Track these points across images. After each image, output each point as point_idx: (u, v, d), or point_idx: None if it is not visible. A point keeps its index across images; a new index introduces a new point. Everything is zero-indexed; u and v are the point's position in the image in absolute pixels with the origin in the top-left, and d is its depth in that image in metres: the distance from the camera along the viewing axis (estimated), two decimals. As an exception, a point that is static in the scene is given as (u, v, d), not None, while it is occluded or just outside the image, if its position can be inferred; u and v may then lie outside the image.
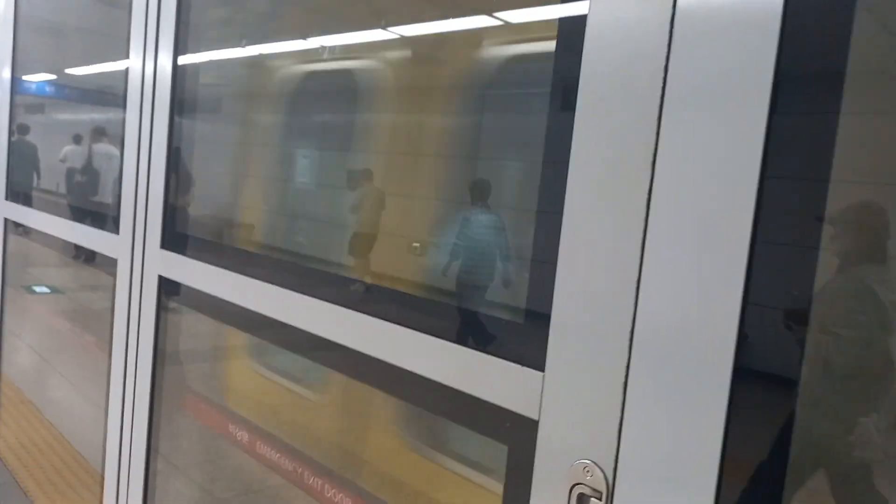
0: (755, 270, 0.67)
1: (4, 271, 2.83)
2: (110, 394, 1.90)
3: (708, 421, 0.69)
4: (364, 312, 1.12)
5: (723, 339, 0.68)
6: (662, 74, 0.74)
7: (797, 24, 0.65)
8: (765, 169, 0.66)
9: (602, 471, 0.78)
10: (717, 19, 0.70)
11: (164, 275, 1.69)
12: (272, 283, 1.35)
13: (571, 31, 0.83)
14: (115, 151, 3.15)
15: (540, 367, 0.85)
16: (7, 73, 2.83)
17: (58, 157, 2.88)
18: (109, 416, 1.90)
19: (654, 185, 0.74)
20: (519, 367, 0.88)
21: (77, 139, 3.21)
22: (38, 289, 4.57)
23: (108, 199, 2.69)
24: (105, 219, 2.25)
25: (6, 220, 2.76)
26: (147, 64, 1.74)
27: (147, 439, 1.76)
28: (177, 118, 1.68)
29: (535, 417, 0.86)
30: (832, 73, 0.66)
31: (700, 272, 0.70)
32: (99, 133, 2.78)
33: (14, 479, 3.02)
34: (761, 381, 0.69)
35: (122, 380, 1.84)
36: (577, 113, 0.82)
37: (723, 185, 0.69)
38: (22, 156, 3.12)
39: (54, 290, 4.55)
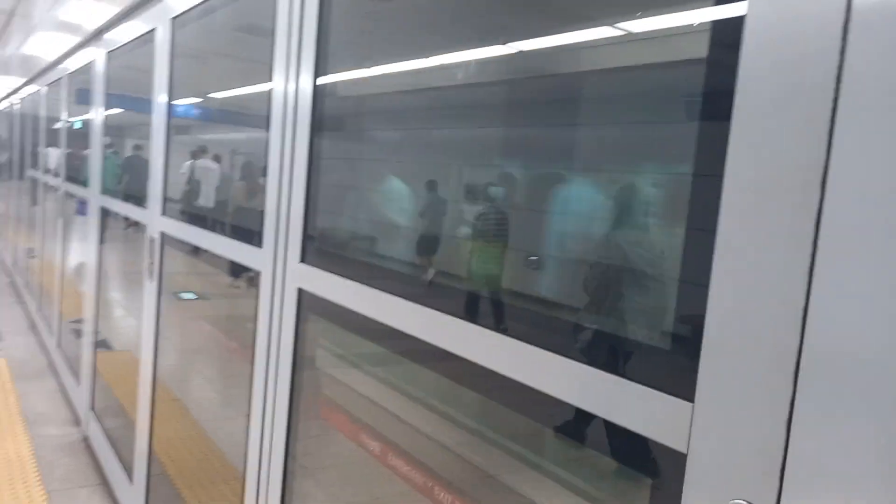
0: None
1: (161, 281, 3.08)
2: (252, 397, 2.01)
3: (884, 464, 0.63)
4: (501, 332, 1.12)
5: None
6: (836, 75, 0.68)
7: None
8: None
9: (761, 512, 0.73)
10: None
11: (302, 287, 1.77)
12: (401, 296, 1.39)
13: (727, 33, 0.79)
14: (214, 165, 3.43)
15: (689, 396, 0.81)
16: (164, 97, 3.09)
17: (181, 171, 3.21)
18: (251, 418, 2.01)
19: (826, 196, 0.68)
20: (666, 395, 0.84)
21: (195, 155, 3.57)
22: (184, 295, 4.96)
23: (211, 204, 3.02)
24: (206, 220, 2.49)
25: (162, 233, 3.01)
26: (289, 85, 1.85)
27: (286, 442, 1.85)
28: (316, 139, 1.77)
29: (684, 451, 0.82)
30: None
31: (881, 294, 0.64)
32: (200, 151, 3.13)
33: (164, 472, 3.27)
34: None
35: (263, 385, 1.95)
36: (733, 122, 0.77)
37: None
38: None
39: (200, 296, 4.92)
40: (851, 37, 0.67)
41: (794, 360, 0.71)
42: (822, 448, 0.68)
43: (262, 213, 1.92)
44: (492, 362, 1.13)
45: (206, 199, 3.17)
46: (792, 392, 0.71)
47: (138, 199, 3.46)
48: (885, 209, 0.64)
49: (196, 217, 3.19)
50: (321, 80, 1.77)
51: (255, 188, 2.12)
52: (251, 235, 2.01)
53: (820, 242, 0.69)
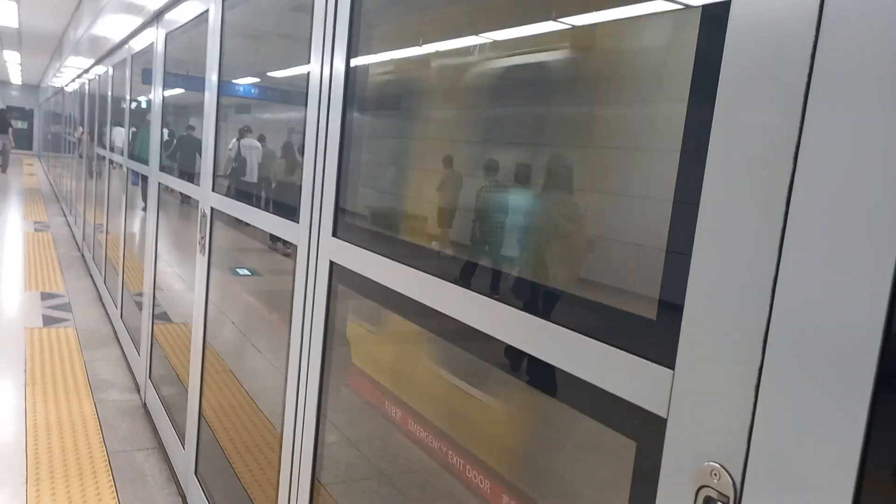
0: None
1: (210, 251, 3.22)
2: (288, 365, 2.11)
3: (844, 427, 0.65)
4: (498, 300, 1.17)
5: (865, 337, 0.64)
6: (810, 55, 0.69)
7: None
8: None
9: (730, 474, 0.76)
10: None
11: (334, 260, 1.85)
12: (425, 271, 1.44)
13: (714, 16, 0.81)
14: (257, 143, 3.62)
15: (671, 364, 0.84)
16: (215, 77, 3.21)
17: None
18: (287, 384, 2.12)
19: (797, 171, 0.70)
20: (648, 362, 0.88)
21: (241, 133, 3.74)
22: (240, 271, 5.16)
23: (254, 179, 3.22)
24: (251, 195, 2.63)
25: (213, 209, 3.14)
26: (324, 67, 1.91)
27: (318, 407, 1.94)
28: (348, 118, 1.83)
29: (664, 416, 0.85)
30: None
31: (842, 264, 0.66)
32: (245, 130, 3.30)
33: (215, 438, 3.44)
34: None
35: (297, 353, 2.04)
36: (716, 101, 0.79)
37: (870, 170, 0.64)
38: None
39: (254, 272, 5.10)
40: (827, 10, 0.68)
41: (762, 331, 0.73)
42: (786, 411, 0.71)
43: (298, 188, 2.01)
44: (494, 329, 1.18)
45: (251, 175, 3.38)
46: (760, 361, 0.73)
47: (190, 175, 3.67)
48: (852, 183, 0.66)
49: (240, 192, 3.35)
50: (354, 62, 1.83)
51: (294, 164, 2.28)
52: (289, 209, 2.11)
53: (790, 216, 0.71)
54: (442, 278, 1.36)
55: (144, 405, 4.64)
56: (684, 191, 0.85)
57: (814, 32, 0.69)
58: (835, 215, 0.67)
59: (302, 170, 1.99)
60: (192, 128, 4.66)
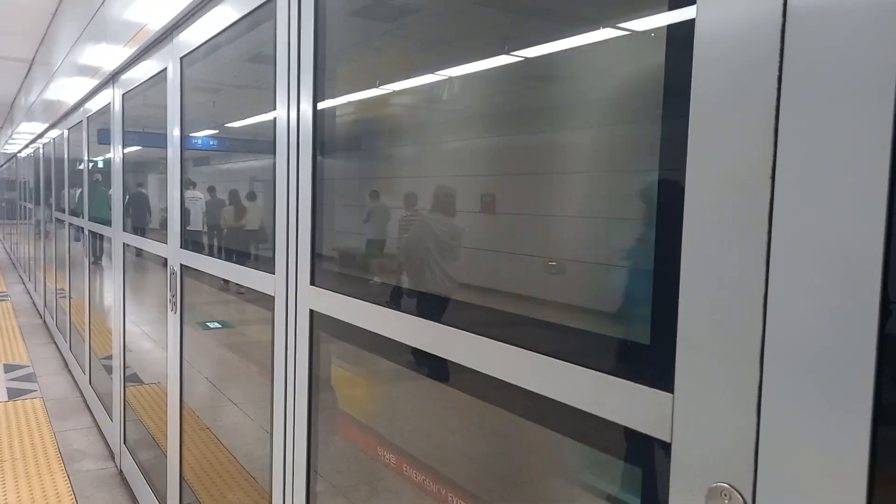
0: (892, 271, 0.63)
1: (182, 312, 3.16)
2: (273, 418, 2.07)
3: (849, 435, 0.66)
4: (493, 337, 1.16)
5: (861, 347, 0.65)
6: (777, 72, 0.72)
7: None
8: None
9: (740, 494, 0.76)
10: (830, 7, 0.67)
11: (314, 309, 1.83)
12: (402, 310, 1.44)
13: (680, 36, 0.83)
14: (199, 195, 3.82)
15: (669, 388, 0.85)
16: (177, 132, 3.19)
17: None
18: (273, 439, 2.07)
19: (776, 189, 0.72)
20: (647, 388, 0.88)
21: (190, 185, 3.89)
22: (211, 325, 5.07)
23: (199, 227, 3.40)
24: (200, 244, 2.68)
25: (182, 265, 3.09)
26: (291, 112, 1.91)
27: (307, 459, 1.90)
28: (319, 162, 1.83)
29: (668, 440, 0.85)
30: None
31: (831, 278, 0.67)
32: (188, 183, 3.52)
33: (197, 500, 3.33)
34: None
35: (283, 405, 2.00)
36: (690, 122, 0.81)
37: (849, 185, 0.66)
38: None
39: (225, 324, 5.02)
40: (788, 44, 0.71)
41: (758, 349, 0.74)
42: (789, 429, 0.72)
43: (248, 233, 2.03)
44: (492, 369, 1.17)
45: (195, 226, 3.58)
46: (759, 378, 0.74)
47: (143, 230, 3.73)
48: (830, 201, 0.68)
49: (188, 241, 3.41)
50: (321, 105, 1.84)
51: (242, 211, 2.53)
52: (263, 260, 2.11)
53: (773, 236, 0.72)
54: (429, 319, 1.36)
55: (121, 472, 4.48)
56: (667, 211, 0.87)
57: (779, 45, 0.71)
58: (817, 225, 0.69)
59: (248, 216, 2.01)
60: (141, 185, 4.70)
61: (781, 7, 0.71)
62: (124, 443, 4.45)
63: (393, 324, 1.50)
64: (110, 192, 5.35)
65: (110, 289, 4.92)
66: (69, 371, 6.88)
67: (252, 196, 3.34)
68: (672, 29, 0.89)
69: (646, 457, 0.89)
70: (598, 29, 1.19)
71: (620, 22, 1.11)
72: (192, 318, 3.59)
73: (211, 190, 4.00)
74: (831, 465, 0.68)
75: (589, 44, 1.21)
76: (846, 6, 0.66)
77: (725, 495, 0.78)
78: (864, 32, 0.65)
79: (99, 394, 5.41)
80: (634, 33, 1.08)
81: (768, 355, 0.73)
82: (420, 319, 1.39)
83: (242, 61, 3.15)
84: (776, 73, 0.72)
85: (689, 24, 0.82)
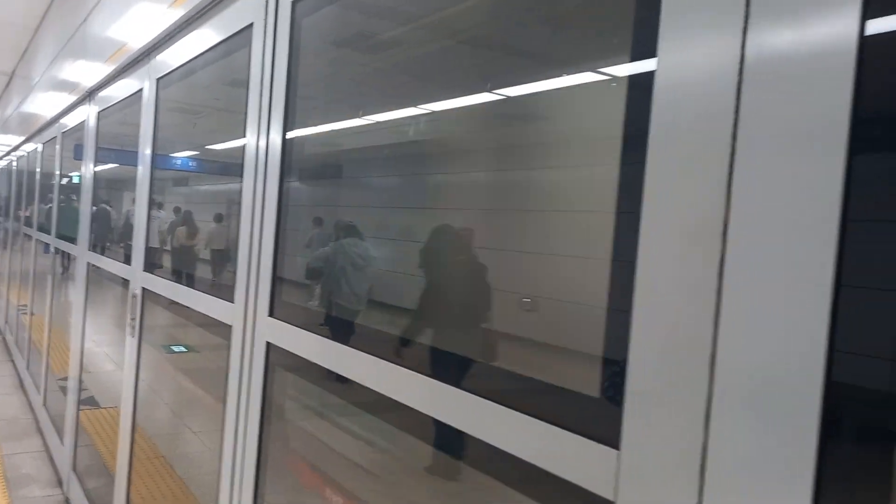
0: (840, 324, 0.62)
1: (141, 335, 3.09)
2: (223, 446, 2.00)
3: (795, 494, 0.64)
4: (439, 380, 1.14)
5: (807, 410, 0.64)
6: (732, 122, 0.72)
7: (873, 67, 0.62)
8: (846, 211, 0.62)
9: (682, 558, 0.74)
10: (786, 68, 0.68)
11: (270, 341, 1.79)
12: (363, 350, 1.41)
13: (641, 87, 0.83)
14: (161, 214, 3.94)
15: (615, 444, 0.83)
16: (149, 151, 3.15)
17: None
18: (222, 466, 2.00)
19: (727, 244, 0.71)
20: (594, 443, 0.86)
21: (156, 206, 3.99)
22: (175, 348, 4.96)
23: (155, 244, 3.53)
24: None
25: (143, 289, 3.03)
26: (261, 139, 1.90)
27: (254, 492, 1.83)
28: (285, 191, 1.81)
29: (612, 498, 0.82)
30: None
31: (779, 339, 0.66)
32: (156, 204, 3.69)
33: (146, 532, 3.20)
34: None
35: (233, 434, 1.94)
36: (647, 168, 0.81)
37: (801, 233, 0.65)
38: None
39: (191, 349, 4.91)
40: (744, 95, 0.71)
41: (704, 405, 0.72)
42: (733, 490, 0.70)
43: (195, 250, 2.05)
44: (437, 411, 1.15)
45: (167, 243, 3.68)
46: (704, 436, 0.72)
47: (103, 247, 3.75)
48: (780, 259, 0.67)
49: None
50: (290, 134, 1.82)
51: (193, 231, 2.75)
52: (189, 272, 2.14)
53: (724, 288, 0.71)
54: (388, 360, 1.33)
55: (67, 500, 4.31)
56: (622, 262, 0.86)
57: (734, 98, 0.71)
58: (767, 281, 0.68)
59: (197, 237, 2.02)
60: (107, 201, 4.70)
61: (738, 63, 0.71)
62: (74, 469, 4.29)
63: (349, 363, 1.46)
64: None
65: (72, 307, 4.80)
66: (24, 390, 6.67)
67: (219, 218, 3.33)
68: (633, 79, 0.89)
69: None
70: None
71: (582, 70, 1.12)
72: (156, 341, 3.51)
73: (176, 211, 4.00)
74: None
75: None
76: (799, 66, 0.66)
77: (667, 558, 0.75)
78: (814, 91, 0.65)
79: (52, 416, 5.24)
80: (599, 82, 1.09)
81: (714, 411, 0.72)
82: (372, 358, 1.36)
83: (218, 84, 3.15)
84: (731, 129, 0.72)
85: (649, 76, 0.82)
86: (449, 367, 1.20)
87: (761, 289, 0.68)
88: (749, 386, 0.69)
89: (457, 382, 1.10)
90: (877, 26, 0.62)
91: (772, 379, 0.67)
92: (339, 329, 1.52)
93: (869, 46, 0.62)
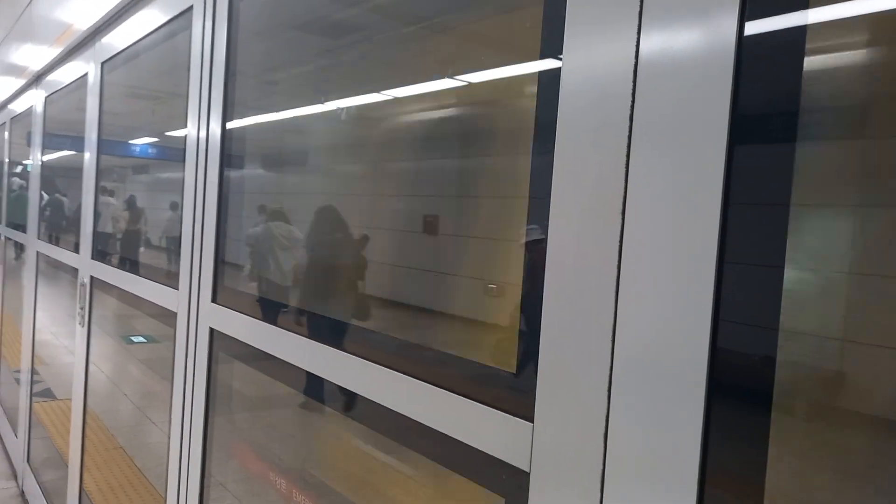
0: (724, 295, 0.66)
1: (90, 322, 3.04)
2: (171, 432, 2.00)
3: (682, 462, 0.68)
4: (367, 359, 1.16)
5: (693, 374, 0.67)
6: (629, 115, 0.75)
7: (749, 67, 0.65)
8: (727, 196, 0.66)
9: (587, 524, 0.77)
10: (673, 66, 0.71)
11: (214, 327, 1.78)
12: (300, 334, 1.42)
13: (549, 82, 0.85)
14: (112, 201, 4.00)
15: (530, 417, 0.85)
16: (94, 137, 3.09)
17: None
18: (170, 453, 2.00)
19: (626, 223, 0.74)
20: (510, 416, 0.88)
21: (106, 192, 4.05)
22: (135, 339, 4.88)
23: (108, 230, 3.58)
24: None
25: (92, 277, 2.98)
26: (201, 126, 1.88)
27: (201, 474, 1.84)
28: (225, 178, 1.79)
29: (527, 469, 0.85)
30: (785, 108, 0.66)
31: (671, 312, 0.69)
32: (103, 189, 3.65)
33: (102, 524, 3.17)
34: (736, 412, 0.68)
35: (180, 420, 1.94)
36: (555, 154, 0.83)
37: (688, 222, 0.68)
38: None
39: (151, 339, 4.84)
40: (640, 84, 0.74)
41: (607, 376, 0.75)
42: (631, 458, 0.73)
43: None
44: (363, 388, 1.17)
45: (104, 227, 3.71)
46: (606, 406, 0.75)
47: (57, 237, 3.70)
48: (673, 237, 0.70)
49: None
50: (230, 122, 1.81)
51: (136, 215, 3.06)
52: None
53: (622, 269, 0.74)
54: (329, 344, 1.34)
55: (22, 493, 4.24)
56: (533, 241, 0.88)
57: (630, 95, 0.74)
58: (661, 258, 0.71)
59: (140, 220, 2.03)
60: (59, 190, 4.66)
61: (633, 61, 0.74)
62: (28, 462, 4.22)
63: (287, 346, 1.47)
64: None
65: (22, 297, 4.70)
66: (-23, 384, 6.51)
67: (174, 206, 3.31)
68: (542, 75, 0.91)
69: (506, 485, 0.89)
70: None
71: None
72: (114, 331, 3.47)
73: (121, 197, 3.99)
74: (666, 488, 0.69)
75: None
76: (687, 65, 0.69)
77: (575, 525, 0.78)
78: (700, 89, 0.68)
79: (6, 408, 5.14)
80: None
81: (615, 385, 0.74)
82: (309, 342, 1.37)
83: (179, 70, 3.09)
84: (627, 122, 0.74)
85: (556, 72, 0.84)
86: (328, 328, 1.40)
87: (655, 266, 0.71)
88: (645, 356, 0.71)
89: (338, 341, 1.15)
90: (755, 27, 0.65)
91: (665, 348, 0.70)
92: (266, 305, 1.67)
93: (747, 48, 0.65)
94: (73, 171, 4.94)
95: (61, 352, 4.59)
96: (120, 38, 2.76)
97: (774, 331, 0.64)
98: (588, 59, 0.80)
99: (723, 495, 0.67)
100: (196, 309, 1.86)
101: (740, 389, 0.67)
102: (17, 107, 5.42)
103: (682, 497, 0.68)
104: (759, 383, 0.66)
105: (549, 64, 0.87)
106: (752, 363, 0.67)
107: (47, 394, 4.41)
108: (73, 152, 4.54)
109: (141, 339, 4.98)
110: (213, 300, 1.78)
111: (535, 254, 0.88)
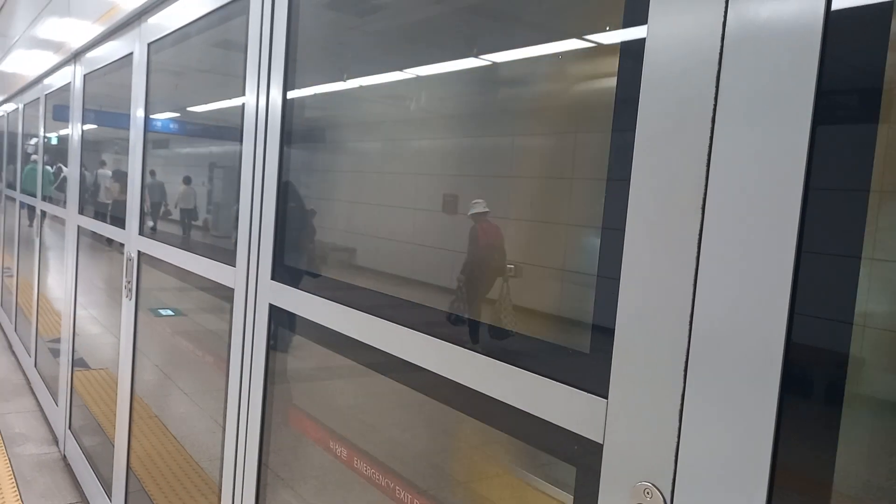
0: (801, 283, 0.71)
1: (138, 299, 3.15)
2: (227, 410, 2.09)
3: (756, 439, 0.74)
4: (441, 338, 1.23)
5: (769, 358, 0.73)
6: (714, 87, 0.79)
7: (837, 39, 0.69)
8: (809, 178, 0.70)
9: (661, 492, 0.84)
10: (762, 35, 0.75)
11: (274, 303, 1.86)
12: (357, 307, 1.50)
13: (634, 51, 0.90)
14: (108, 172, 4.19)
15: (604, 393, 0.92)
16: (142, 114, 3.17)
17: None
18: (227, 430, 2.09)
19: (707, 202, 0.79)
20: (585, 393, 0.95)
21: (102, 164, 4.83)
22: (163, 311, 5.00)
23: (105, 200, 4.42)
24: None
25: (139, 252, 3.08)
26: (260, 101, 1.94)
27: (259, 452, 1.93)
28: (286, 155, 1.86)
29: (601, 441, 0.92)
30: (871, 84, 0.70)
31: (749, 297, 0.75)
32: (101, 163, 4.64)
33: (143, 488, 3.31)
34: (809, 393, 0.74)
35: (237, 397, 2.03)
36: (637, 131, 0.88)
37: (769, 212, 0.73)
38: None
39: (177, 312, 4.96)
40: (727, 52, 0.78)
41: (683, 359, 0.82)
42: (706, 431, 0.80)
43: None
44: (441, 368, 1.24)
45: (104, 197, 4.55)
46: (682, 387, 0.82)
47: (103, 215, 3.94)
48: (754, 225, 0.76)
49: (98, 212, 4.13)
50: (291, 95, 1.87)
51: (124, 186, 3.35)
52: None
53: (703, 249, 0.80)
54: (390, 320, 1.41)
55: (64, 458, 4.41)
56: (612, 223, 0.94)
57: (716, 72, 0.79)
58: (740, 246, 0.76)
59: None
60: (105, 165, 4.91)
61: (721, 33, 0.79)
62: (69, 428, 4.38)
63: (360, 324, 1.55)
64: (52, 169, 5.51)
65: (60, 270, 4.83)
66: (13, 352, 6.71)
67: (188, 180, 3.53)
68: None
69: (580, 456, 0.96)
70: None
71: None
72: (144, 304, 3.57)
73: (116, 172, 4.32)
74: (738, 465, 0.76)
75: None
76: (777, 34, 0.74)
77: (648, 493, 0.85)
78: (787, 61, 0.72)
79: (44, 377, 5.31)
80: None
81: (692, 364, 0.81)
82: (381, 321, 1.44)
83: (202, 45, 3.15)
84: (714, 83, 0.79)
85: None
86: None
87: (735, 253, 0.77)
88: (722, 342, 0.78)
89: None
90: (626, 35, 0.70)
91: (742, 332, 0.76)
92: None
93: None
94: (97, 145, 5.07)
95: (90, 322, 4.73)
96: (169, 17, 2.83)
97: (849, 324, 0.70)
98: (674, 30, 0.83)
99: (793, 480, 0.73)
100: (255, 286, 1.94)
101: (813, 375, 0.73)
102: (53, 82, 5.51)
103: (754, 479, 0.75)
104: (831, 374, 0.72)
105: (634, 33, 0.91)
106: (825, 351, 0.73)
107: (81, 363, 4.56)
108: (97, 127, 4.68)
109: (169, 311, 5.11)
110: (273, 277, 1.86)
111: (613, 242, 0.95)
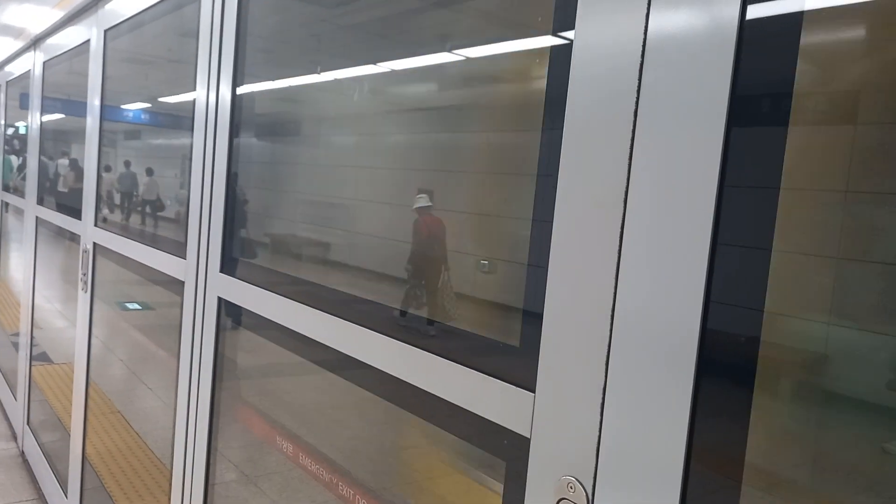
0: (716, 274, 0.71)
1: (93, 291, 3.09)
2: (177, 400, 2.06)
3: (671, 436, 0.74)
4: (376, 331, 1.22)
5: (684, 349, 0.73)
6: (636, 87, 0.79)
7: (750, 45, 0.70)
8: (724, 175, 0.71)
9: (583, 486, 0.83)
10: (681, 40, 0.75)
11: (222, 296, 1.83)
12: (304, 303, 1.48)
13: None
14: (66, 162, 4.16)
15: (531, 387, 0.91)
16: (98, 102, 3.10)
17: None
18: (176, 420, 2.06)
19: (629, 199, 0.79)
20: (513, 387, 0.94)
21: (63, 154, 4.79)
22: (129, 305, 4.92)
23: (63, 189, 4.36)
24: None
25: (95, 244, 3.02)
26: (210, 93, 1.90)
27: (208, 442, 1.90)
28: (235, 147, 1.83)
29: (528, 435, 0.92)
30: (782, 88, 0.71)
31: (666, 285, 0.75)
32: (63, 153, 4.61)
33: (101, 485, 3.25)
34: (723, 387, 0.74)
35: (187, 389, 2.00)
36: (564, 129, 0.88)
37: (688, 192, 0.73)
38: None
39: (145, 306, 4.88)
40: (647, 58, 0.78)
41: (605, 352, 0.81)
42: (625, 427, 0.79)
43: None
44: (371, 358, 1.24)
45: (63, 186, 4.53)
46: (604, 380, 0.81)
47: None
48: (674, 220, 0.75)
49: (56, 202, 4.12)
50: (240, 88, 1.84)
51: (79, 175, 3.39)
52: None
53: (624, 243, 0.80)
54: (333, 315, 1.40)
55: (22, 454, 4.32)
56: (541, 218, 0.94)
57: (637, 73, 0.79)
58: (662, 241, 0.76)
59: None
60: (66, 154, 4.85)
61: (642, 38, 0.78)
62: (27, 423, 4.29)
63: (299, 317, 1.53)
64: (18, 159, 5.40)
65: (19, 262, 4.73)
66: (-28, 347, 6.56)
67: (150, 172, 3.51)
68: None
69: (509, 450, 0.95)
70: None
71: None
72: (106, 297, 3.51)
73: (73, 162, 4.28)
74: (655, 459, 0.76)
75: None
76: (694, 40, 0.73)
77: (571, 487, 0.85)
78: (703, 65, 0.72)
79: (4, 371, 5.19)
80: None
81: (613, 358, 0.80)
82: (320, 313, 1.43)
83: (171, 34, 3.09)
84: (635, 94, 0.79)
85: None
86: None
87: (652, 249, 0.77)
88: (642, 336, 0.77)
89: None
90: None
91: (661, 325, 0.75)
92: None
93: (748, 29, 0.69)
94: (61, 135, 4.97)
95: (54, 316, 4.63)
96: (126, 3, 2.76)
97: (760, 312, 0.70)
98: (599, 34, 0.84)
99: (707, 464, 0.73)
100: (204, 279, 1.91)
101: (727, 366, 0.73)
102: (14, 69, 5.38)
103: (669, 469, 0.74)
104: (743, 360, 0.72)
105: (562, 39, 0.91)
106: (738, 341, 0.73)
107: (43, 357, 4.47)
108: (64, 116, 4.58)
109: (135, 305, 5.02)
110: (222, 270, 1.83)
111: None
